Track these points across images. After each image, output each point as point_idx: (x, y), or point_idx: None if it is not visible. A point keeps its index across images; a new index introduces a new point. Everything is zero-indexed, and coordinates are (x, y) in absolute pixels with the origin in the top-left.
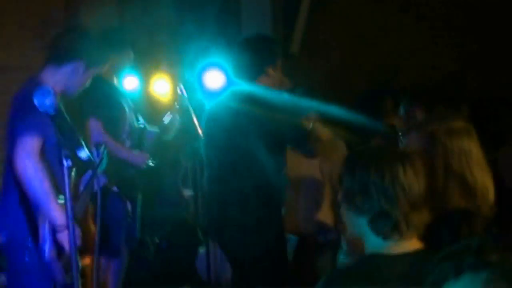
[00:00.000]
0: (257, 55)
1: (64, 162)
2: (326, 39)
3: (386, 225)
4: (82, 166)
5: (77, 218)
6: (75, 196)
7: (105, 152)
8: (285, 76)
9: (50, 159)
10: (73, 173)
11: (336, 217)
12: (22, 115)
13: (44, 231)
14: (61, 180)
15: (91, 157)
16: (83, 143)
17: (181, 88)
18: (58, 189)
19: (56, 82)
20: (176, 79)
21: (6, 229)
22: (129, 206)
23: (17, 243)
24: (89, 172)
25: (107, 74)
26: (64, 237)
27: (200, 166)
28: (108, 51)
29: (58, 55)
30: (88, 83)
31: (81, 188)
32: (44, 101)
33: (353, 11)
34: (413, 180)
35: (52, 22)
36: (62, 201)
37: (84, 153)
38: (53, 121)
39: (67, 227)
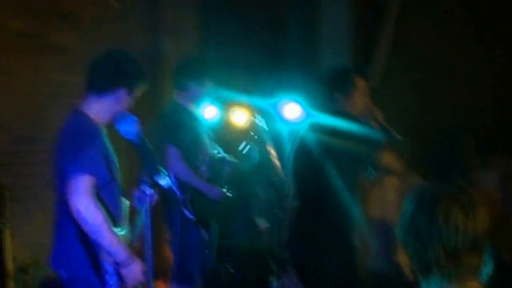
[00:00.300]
0: (328, 85)
1: (146, 190)
2: (403, 74)
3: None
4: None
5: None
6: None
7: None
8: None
9: (104, 196)
10: (127, 203)
11: None
12: (72, 152)
13: (108, 266)
14: (117, 213)
15: (171, 185)
16: (163, 171)
17: (258, 119)
18: (115, 222)
19: (101, 112)
20: (254, 110)
21: (67, 265)
22: (204, 235)
23: (80, 278)
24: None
25: (186, 102)
26: (127, 272)
27: (277, 197)
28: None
29: (98, 84)
30: (132, 103)
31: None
32: (129, 129)
33: (432, 47)
34: (467, 222)
35: (134, 51)
36: (121, 233)
37: (164, 181)
38: (136, 149)
39: (129, 260)
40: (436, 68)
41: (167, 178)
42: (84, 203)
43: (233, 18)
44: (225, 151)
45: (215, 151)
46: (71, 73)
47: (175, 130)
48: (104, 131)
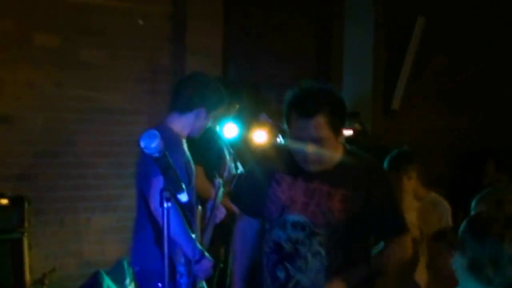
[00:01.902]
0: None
1: (164, 204)
2: (426, 95)
3: None
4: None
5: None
6: (202, 229)
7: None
8: (386, 132)
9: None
10: (200, 208)
11: (431, 278)
12: None
13: (181, 266)
14: (191, 218)
15: (191, 201)
16: (184, 187)
17: (280, 139)
18: (190, 226)
19: (182, 127)
20: (276, 130)
21: (139, 261)
22: (222, 250)
23: (151, 272)
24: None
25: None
26: (199, 268)
27: None
28: (224, 95)
29: (181, 103)
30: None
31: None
32: (150, 144)
33: (454, 67)
34: None
35: (159, 68)
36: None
37: (184, 197)
38: (157, 164)
39: (202, 259)
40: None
41: (188, 195)
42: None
43: (257, 38)
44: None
45: (236, 169)
46: (96, 89)
47: (201, 149)
48: (184, 143)
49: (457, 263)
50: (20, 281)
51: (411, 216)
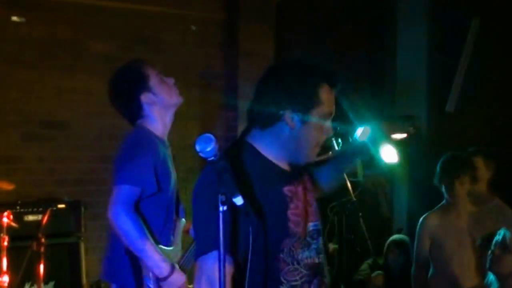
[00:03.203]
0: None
1: (220, 208)
2: (481, 97)
3: None
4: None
5: (185, 270)
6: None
7: None
8: (441, 135)
9: (147, 210)
10: (182, 223)
11: (481, 282)
12: (123, 161)
13: (149, 281)
14: (159, 231)
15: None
16: (238, 190)
17: (336, 141)
18: (156, 240)
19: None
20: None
21: (114, 276)
22: None
23: None
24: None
25: None
26: (168, 285)
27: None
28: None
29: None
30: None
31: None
32: (205, 148)
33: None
34: None
35: (212, 73)
36: (168, 248)
37: (239, 200)
38: (213, 167)
39: (169, 274)
40: None
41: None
42: (118, 212)
43: (309, 42)
44: None
45: None
46: None
47: None
48: (163, 144)
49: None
50: (76, 284)
51: (462, 221)
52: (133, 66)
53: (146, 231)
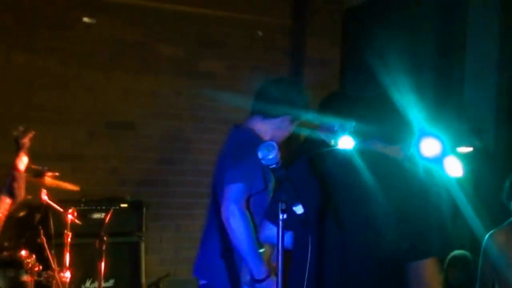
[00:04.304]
0: None
1: (280, 216)
2: None
3: None
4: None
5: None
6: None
7: None
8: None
9: (255, 211)
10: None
11: None
12: (232, 161)
13: (246, 286)
14: (258, 230)
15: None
16: (299, 199)
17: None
18: (259, 241)
19: (264, 132)
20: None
21: (207, 275)
22: None
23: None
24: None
25: (325, 132)
26: None
27: None
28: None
29: (266, 107)
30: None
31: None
32: (268, 155)
33: None
34: None
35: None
36: (261, 250)
37: (299, 209)
38: (274, 175)
39: (266, 277)
40: None
41: (302, 207)
42: (236, 211)
43: (376, 52)
44: None
45: None
46: (214, 99)
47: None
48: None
49: None
50: (136, 283)
51: None
52: (307, 94)
53: (255, 233)
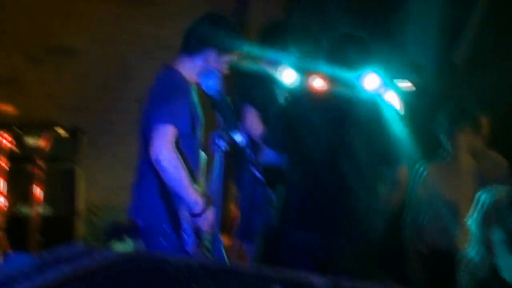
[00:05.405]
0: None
1: (217, 141)
2: (493, 50)
3: None
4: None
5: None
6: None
7: None
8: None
9: (184, 148)
10: (205, 156)
11: None
12: (159, 102)
13: (186, 224)
14: (194, 166)
15: (245, 143)
16: (239, 127)
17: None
18: (192, 174)
19: (191, 71)
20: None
21: (144, 214)
22: (272, 195)
23: (155, 228)
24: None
25: (267, 65)
26: (201, 221)
27: None
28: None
29: (191, 44)
30: (225, 70)
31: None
32: (211, 84)
33: None
34: None
35: (221, 8)
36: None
37: (239, 137)
38: (216, 104)
39: (204, 212)
40: None
41: (242, 136)
42: (165, 151)
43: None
44: None
45: None
46: (157, 25)
47: (252, 90)
48: (193, 88)
49: (495, 236)
50: (72, 210)
51: (464, 172)
52: (233, 25)
53: (186, 169)
